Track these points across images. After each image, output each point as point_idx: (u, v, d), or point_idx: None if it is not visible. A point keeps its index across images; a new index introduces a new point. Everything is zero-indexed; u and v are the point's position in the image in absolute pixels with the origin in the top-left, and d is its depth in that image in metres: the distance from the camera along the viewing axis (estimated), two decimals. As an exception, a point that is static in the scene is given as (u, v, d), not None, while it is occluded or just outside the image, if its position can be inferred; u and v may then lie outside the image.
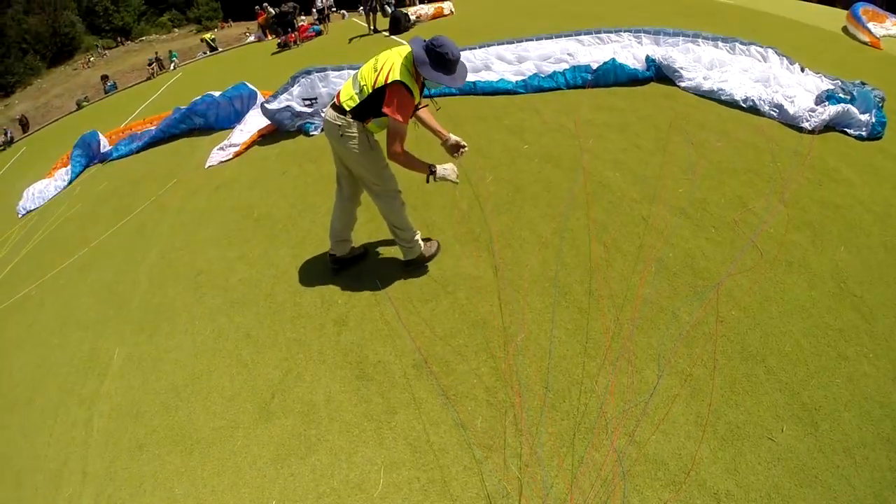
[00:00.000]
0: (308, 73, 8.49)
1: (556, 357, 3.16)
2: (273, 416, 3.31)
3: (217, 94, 9.58)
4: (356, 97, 3.45)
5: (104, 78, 31.78)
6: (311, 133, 7.59)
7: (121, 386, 4.15)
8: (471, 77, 7.81)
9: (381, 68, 3.35)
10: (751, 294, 3.37)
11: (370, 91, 3.37)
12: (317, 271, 4.46)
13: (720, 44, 7.19)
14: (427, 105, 3.81)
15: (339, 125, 3.51)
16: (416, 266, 4.10)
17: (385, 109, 3.32)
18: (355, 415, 3.15)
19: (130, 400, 3.95)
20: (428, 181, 3.64)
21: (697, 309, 3.31)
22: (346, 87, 3.57)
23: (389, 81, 3.29)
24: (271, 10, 24.16)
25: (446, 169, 3.62)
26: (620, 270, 3.71)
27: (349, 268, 4.33)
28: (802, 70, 6.47)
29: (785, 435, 2.58)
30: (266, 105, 7.95)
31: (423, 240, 4.10)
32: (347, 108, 3.47)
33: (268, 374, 3.63)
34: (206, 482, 3.08)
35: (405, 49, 3.45)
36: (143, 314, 4.84)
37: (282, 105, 7.85)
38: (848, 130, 5.23)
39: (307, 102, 7.89)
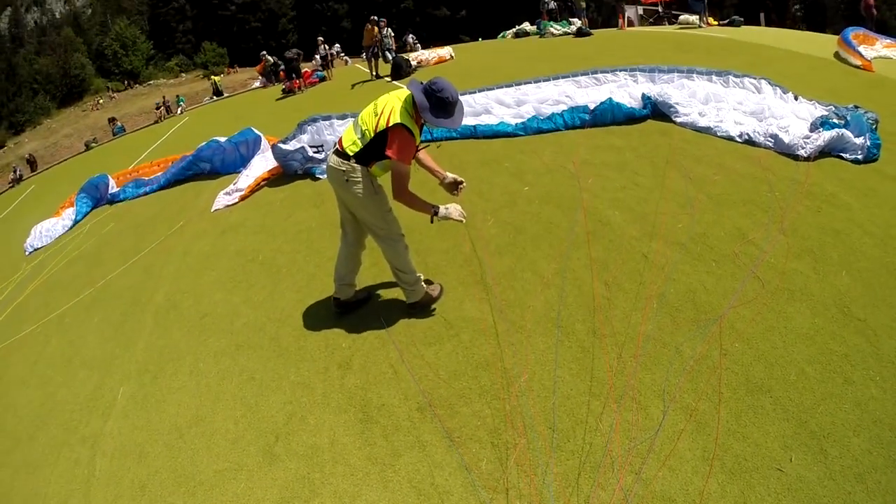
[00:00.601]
0: (314, 120, 8.73)
1: (561, 396, 3.17)
2: (277, 460, 3.30)
3: (223, 139, 9.74)
4: (359, 142, 3.56)
5: (112, 120, 32.26)
6: (318, 176, 7.70)
7: (124, 426, 4.12)
8: (471, 121, 7.99)
9: (382, 112, 3.47)
10: (753, 325, 3.37)
11: (372, 135, 3.48)
12: (321, 315, 4.49)
13: (714, 78, 7.38)
14: (427, 146, 3.98)
15: (344, 170, 3.60)
16: (420, 308, 4.14)
17: (388, 152, 3.44)
18: (360, 458, 3.14)
19: (133, 440, 3.93)
20: (432, 221, 3.74)
21: (700, 343, 3.32)
22: (347, 132, 3.70)
23: (391, 125, 3.40)
24: (269, 58, 25.05)
25: (448, 208, 3.68)
26: (622, 308, 3.74)
27: (353, 311, 4.37)
28: (796, 98, 6.61)
29: (794, 464, 2.55)
30: (280, 146, 8.13)
31: (425, 282, 4.16)
32: (351, 154, 3.57)
33: (272, 417, 3.63)
34: (208, 526, 3.03)
35: (404, 92, 3.60)
36: (147, 355, 4.85)
37: (296, 147, 8.06)
38: (844, 155, 5.30)
39: (314, 150, 8.06)
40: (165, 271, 6.38)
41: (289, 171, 8.14)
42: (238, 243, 6.52)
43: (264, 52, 26.62)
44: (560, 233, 4.80)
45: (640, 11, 24.34)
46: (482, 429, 3.10)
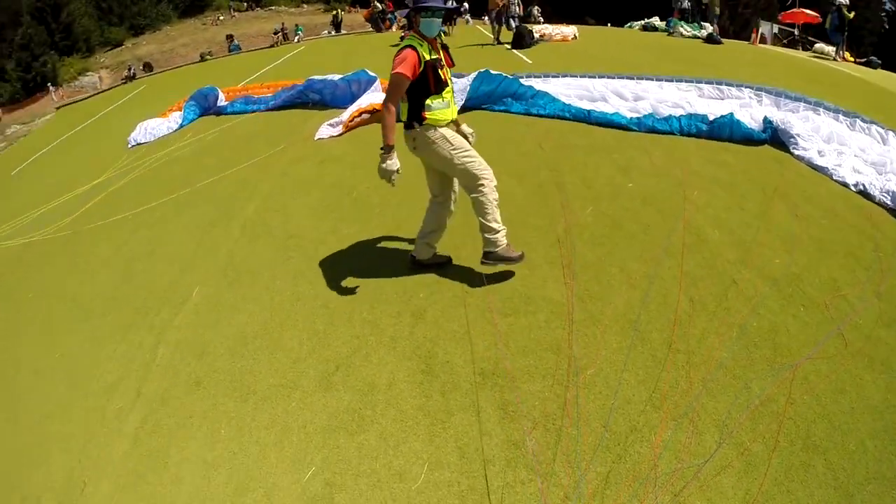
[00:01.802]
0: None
1: (621, 399, 3.16)
2: (333, 388, 3.46)
3: (337, 77, 10.04)
4: (403, 107, 3.86)
5: (229, 37, 33.62)
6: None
7: (192, 322, 4.45)
8: (586, 105, 7.98)
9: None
10: (826, 382, 3.24)
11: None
12: (405, 261, 4.62)
13: (841, 117, 6.98)
14: (450, 67, 4.04)
15: (412, 138, 3.91)
16: (493, 260, 4.09)
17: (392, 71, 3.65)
18: (413, 406, 3.25)
19: (199, 338, 4.23)
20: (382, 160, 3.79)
21: (770, 385, 3.22)
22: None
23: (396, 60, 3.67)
24: (378, 4, 25.48)
25: (389, 164, 3.78)
26: (702, 328, 3.66)
27: (427, 270, 4.47)
28: None
29: None
30: None
31: (509, 244, 4.13)
32: (405, 120, 3.87)
33: (337, 347, 3.80)
34: (252, 432, 3.26)
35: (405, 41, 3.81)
36: (229, 261, 5.16)
37: None
38: None
39: None
40: (260, 187, 6.71)
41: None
42: (335, 175, 6.78)
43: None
44: (656, 237, 4.72)
45: (775, 30, 23.18)
46: (538, 410, 3.13)
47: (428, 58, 3.70)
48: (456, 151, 3.84)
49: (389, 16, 25.70)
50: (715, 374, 3.29)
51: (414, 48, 3.66)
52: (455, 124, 4.15)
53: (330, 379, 3.54)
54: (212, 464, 3.11)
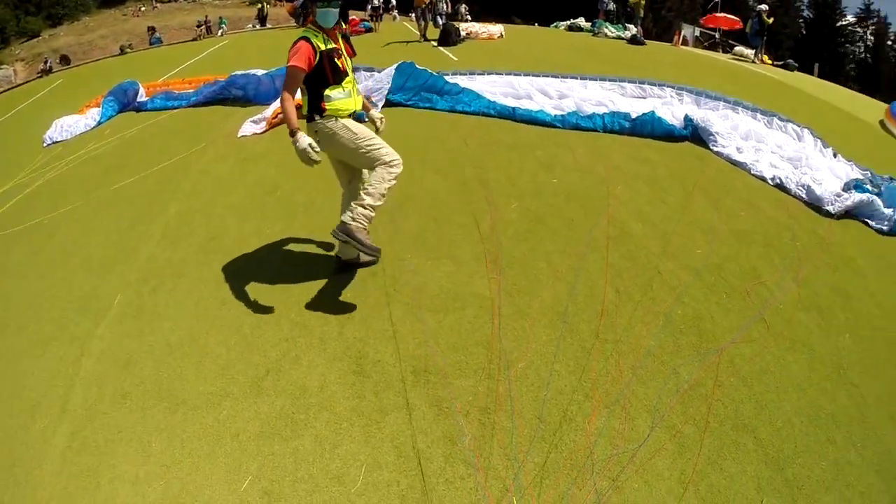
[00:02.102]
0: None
1: (553, 390, 3.17)
2: (264, 393, 3.32)
3: (261, 72, 9.65)
4: (304, 99, 3.77)
5: (151, 29, 31.99)
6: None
7: (116, 332, 4.14)
8: (511, 103, 7.96)
9: None
10: (751, 364, 3.41)
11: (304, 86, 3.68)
12: (329, 262, 4.49)
13: (759, 115, 7.31)
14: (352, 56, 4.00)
15: (314, 131, 3.75)
16: (343, 235, 3.75)
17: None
18: (346, 408, 3.16)
19: (123, 348, 3.95)
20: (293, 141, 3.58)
21: (697, 370, 3.34)
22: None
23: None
24: None
25: (301, 142, 3.52)
26: (628, 318, 3.74)
27: (352, 270, 4.33)
28: (835, 155, 6.58)
29: None
30: None
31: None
32: (306, 113, 3.76)
33: (266, 351, 3.64)
34: (185, 444, 3.08)
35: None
36: (150, 266, 4.85)
37: None
38: (870, 222, 5.31)
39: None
40: (181, 187, 6.36)
41: None
42: (258, 173, 6.50)
43: None
44: (580, 232, 4.77)
45: (697, 33, 24.10)
46: (472, 405, 3.11)
47: (323, 48, 3.62)
48: (360, 140, 3.71)
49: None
50: (644, 362, 3.36)
51: (307, 39, 3.58)
52: (366, 110, 4.05)
53: (260, 384, 3.39)
54: (145, 479, 2.92)
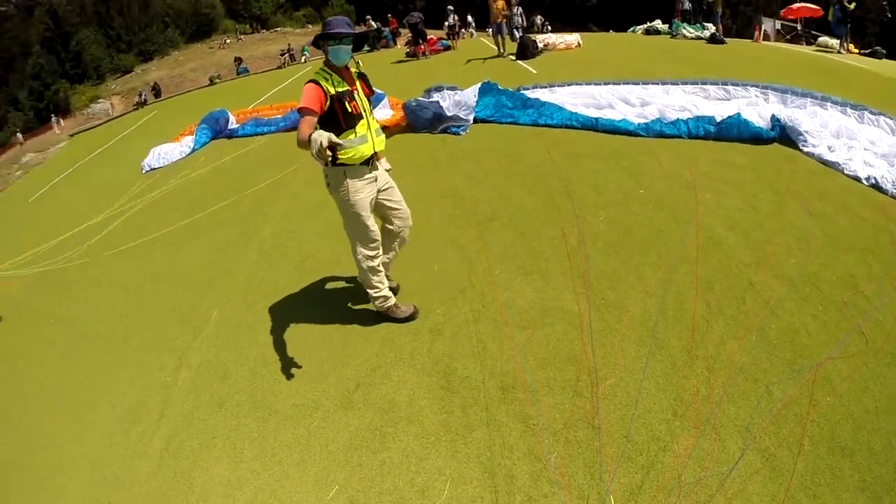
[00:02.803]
0: (439, 88, 8.99)
1: (642, 409, 3.16)
2: (354, 406, 3.50)
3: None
4: None
5: (237, 60, 34.09)
6: (460, 133, 8.13)
7: (213, 345, 4.52)
8: (593, 113, 8.03)
9: None
10: (849, 382, 3.21)
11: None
12: (420, 279, 4.68)
13: (849, 110, 6.94)
14: (370, 94, 3.87)
15: (325, 175, 3.74)
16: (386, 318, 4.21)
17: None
18: (434, 423, 3.28)
19: (220, 360, 4.30)
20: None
21: (792, 387, 3.20)
22: None
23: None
24: (373, 23, 26.33)
25: (317, 140, 3.15)
26: (720, 333, 3.66)
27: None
28: None
29: None
30: (411, 102, 8.64)
31: (397, 305, 4.18)
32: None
33: (356, 366, 3.85)
34: (275, 452, 3.30)
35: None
36: (247, 284, 5.23)
37: (431, 101, 8.53)
38: None
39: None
40: (274, 210, 6.81)
41: (416, 126, 8.56)
42: (348, 195, 6.78)
43: (368, 17, 27.70)
44: (669, 243, 4.72)
45: (778, 26, 23.04)
46: (559, 422, 3.14)
47: (334, 91, 3.49)
48: (351, 213, 3.75)
49: (385, 34, 26.41)
50: (736, 379, 3.28)
51: (316, 82, 3.47)
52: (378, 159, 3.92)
53: (351, 398, 3.58)
54: (236, 484, 3.16)
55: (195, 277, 5.70)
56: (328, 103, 3.47)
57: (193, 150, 11.17)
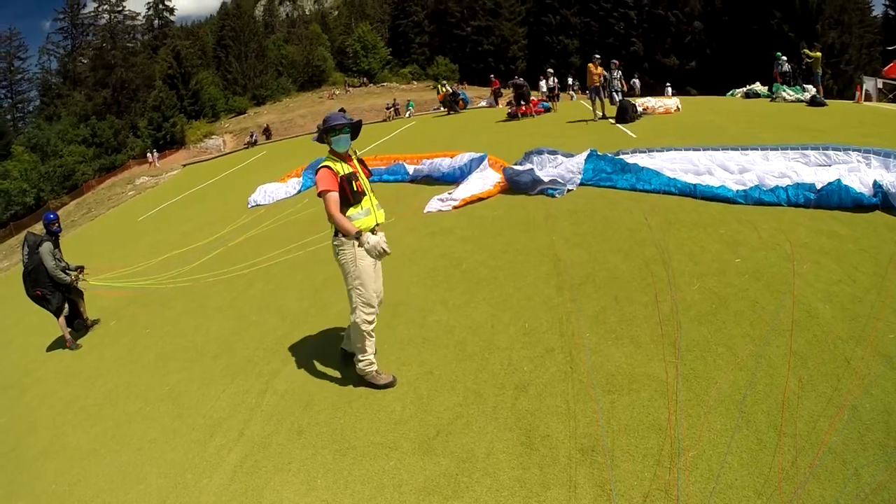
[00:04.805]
0: (540, 152, 9.25)
1: (723, 484, 3.06)
2: (431, 452, 3.58)
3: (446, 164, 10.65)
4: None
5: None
6: (556, 196, 8.34)
7: (300, 375, 4.77)
8: (692, 179, 7.95)
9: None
10: None
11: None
12: (510, 334, 4.76)
13: None
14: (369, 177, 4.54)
15: (335, 245, 4.31)
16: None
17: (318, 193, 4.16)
18: (510, 477, 3.30)
19: (305, 390, 4.53)
20: (354, 246, 4.18)
21: (882, 471, 3.03)
22: None
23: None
24: (448, 88, 27.63)
25: (371, 241, 4.16)
26: (811, 410, 3.50)
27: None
28: None
29: None
30: (513, 167, 9.01)
31: (378, 371, 4.46)
32: (332, 230, 4.30)
33: (439, 413, 3.94)
34: (348, 485, 3.43)
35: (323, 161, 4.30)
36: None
37: (526, 169, 8.79)
38: None
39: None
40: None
41: (516, 189, 8.83)
42: (444, 247, 7.10)
43: (445, 81, 28.96)
44: (764, 314, 4.58)
45: (880, 85, 21.89)
46: (637, 490, 3.09)
47: (342, 172, 4.20)
48: (355, 277, 4.25)
49: (462, 96, 28.00)
50: (823, 459, 3.15)
51: (329, 167, 4.18)
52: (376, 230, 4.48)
53: (430, 443, 3.66)
54: (304, 509, 3.28)
55: (290, 309, 6.03)
56: (339, 182, 4.18)
57: (299, 192, 11.86)
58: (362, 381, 4.41)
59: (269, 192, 12.00)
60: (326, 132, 4.28)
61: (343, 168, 4.24)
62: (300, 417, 4.18)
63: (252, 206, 11.67)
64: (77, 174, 46.31)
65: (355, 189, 4.23)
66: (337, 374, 4.65)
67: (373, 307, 4.33)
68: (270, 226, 9.53)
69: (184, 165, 29.30)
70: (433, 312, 5.39)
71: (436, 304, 5.51)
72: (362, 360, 4.38)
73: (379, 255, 4.23)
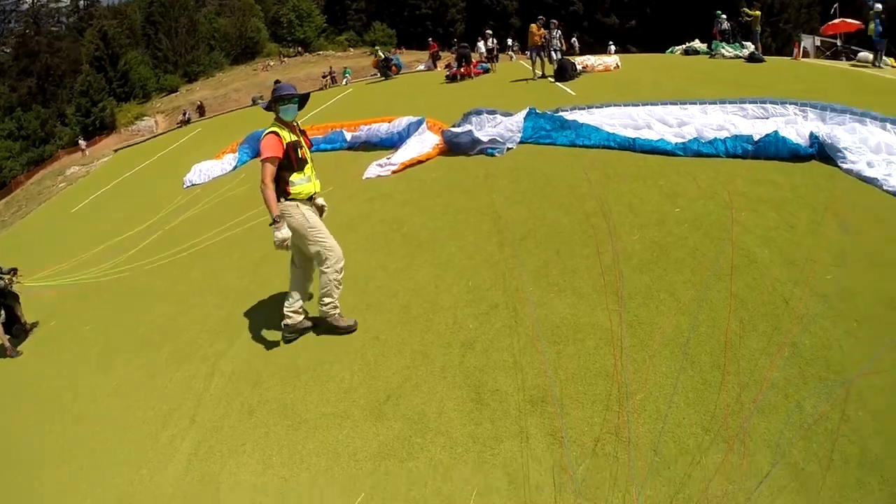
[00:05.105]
0: (479, 112, 9.17)
1: (671, 423, 3.16)
2: (383, 417, 3.58)
3: (384, 126, 10.47)
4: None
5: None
6: (496, 154, 8.34)
7: (246, 354, 4.68)
8: (631, 133, 8.07)
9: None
10: (882, 397, 3.15)
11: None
12: (454, 293, 4.77)
13: (889, 126, 6.83)
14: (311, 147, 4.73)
15: (281, 213, 4.36)
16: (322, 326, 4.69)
17: (259, 158, 4.29)
18: (462, 434, 3.33)
19: (252, 368, 4.45)
20: (270, 224, 4.28)
21: (823, 403, 3.16)
22: None
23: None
24: (381, 54, 28.13)
25: (281, 231, 4.23)
26: (752, 349, 3.64)
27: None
28: None
29: None
30: (451, 129, 8.96)
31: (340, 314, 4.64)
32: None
33: (387, 378, 3.93)
34: (303, 458, 3.41)
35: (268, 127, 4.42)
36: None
37: (464, 130, 8.74)
38: None
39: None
40: (310, 224, 6.99)
41: (455, 150, 8.79)
42: (384, 212, 7.03)
43: (377, 48, 28.67)
44: (704, 261, 4.71)
45: (818, 43, 22.68)
46: (587, 435, 3.17)
47: (289, 139, 4.34)
48: (311, 230, 4.40)
49: (395, 61, 28.06)
50: (767, 395, 3.26)
51: (276, 133, 4.30)
52: (314, 197, 4.66)
53: (381, 408, 3.66)
54: (262, 489, 3.26)
55: (231, 288, 5.89)
56: (284, 149, 4.31)
57: (235, 168, 11.54)
58: (312, 353, 4.37)
59: (205, 171, 11.65)
60: (276, 101, 4.38)
61: (289, 135, 4.37)
62: (250, 397, 4.11)
63: (188, 187, 11.30)
64: (4, 171, 43.92)
65: (300, 156, 4.40)
66: (283, 348, 4.58)
67: (340, 253, 4.50)
68: (207, 205, 9.27)
69: (115, 151, 28.12)
70: (375, 278, 5.36)
71: (377, 270, 5.48)
72: (328, 303, 4.51)
73: (278, 246, 4.29)
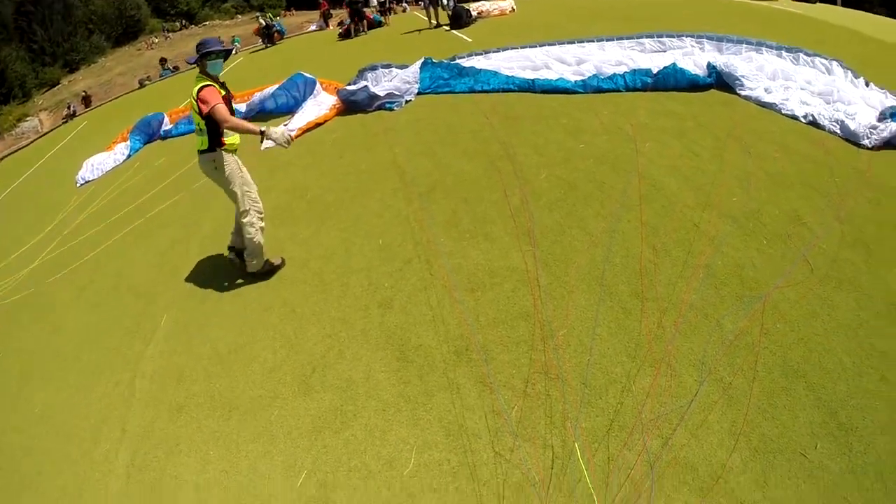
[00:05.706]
0: (374, 68, 8.95)
1: (597, 355, 3.26)
2: (312, 390, 3.54)
3: (275, 88, 10.03)
4: (203, 138, 4.54)
5: (163, 61, 33.32)
6: (394, 109, 8.24)
7: (165, 350, 4.47)
8: (530, 75, 8.10)
9: (192, 105, 4.50)
10: (797, 308, 3.38)
11: (204, 123, 4.45)
12: (365, 254, 4.71)
13: (784, 53, 7.18)
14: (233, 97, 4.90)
15: (212, 160, 4.58)
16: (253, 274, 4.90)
17: (204, 111, 4.36)
18: (392, 395, 3.34)
19: (174, 364, 4.27)
20: (261, 142, 4.57)
21: (742, 319, 3.35)
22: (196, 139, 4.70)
23: (197, 98, 4.39)
24: (262, 20, 27.80)
25: (276, 132, 4.44)
26: (668, 275, 3.78)
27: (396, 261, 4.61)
28: (867, 84, 6.36)
29: (818, 452, 2.61)
30: (346, 87, 8.73)
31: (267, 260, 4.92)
32: (206, 147, 4.55)
33: (310, 350, 3.87)
34: (240, 448, 3.32)
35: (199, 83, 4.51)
36: (192, 283, 5.17)
37: (360, 87, 8.53)
38: None
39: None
40: (213, 204, 6.69)
41: (353, 108, 8.62)
42: (287, 181, 6.81)
43: (258, 14, 27.65)
44: (613, 194, 4.82)
45: None
46: (516, 377, 3.23)
47: (222, 93, 4.49)
48: (240, 180, 4.64)
49: (277, 27, 27.18)
50: (687, 317, 3.40)
51: (211, 86, 4.43)
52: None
53: (308, 382, 3.61)
54: (205, 486, 3.17)
55: (142, 284, 5.60)
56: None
57: (128, 157, 10.88)
58: (231, 338, 4.25)
59: (97, 165, 10.88)
60: (204, 57, 4.51)
61: (221, 89, 4.51)
62: (175, 394, 3.96)
63: (81, 185, 10.54)
64: None
65: (232, 109, 4.56)
66: (201, 337, 4.42)
67: (261, 207, 4.74)
68: (104, 201, 8.72)
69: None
70: (284, 249, 5.23)
71: (285, 241, 5.35)
72: (254, 265, 4.79)
73: (287, 141, 4.47)
